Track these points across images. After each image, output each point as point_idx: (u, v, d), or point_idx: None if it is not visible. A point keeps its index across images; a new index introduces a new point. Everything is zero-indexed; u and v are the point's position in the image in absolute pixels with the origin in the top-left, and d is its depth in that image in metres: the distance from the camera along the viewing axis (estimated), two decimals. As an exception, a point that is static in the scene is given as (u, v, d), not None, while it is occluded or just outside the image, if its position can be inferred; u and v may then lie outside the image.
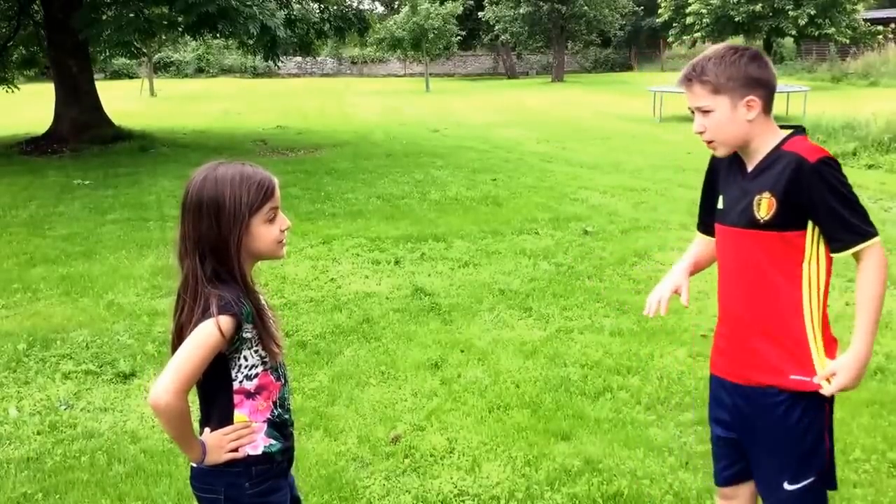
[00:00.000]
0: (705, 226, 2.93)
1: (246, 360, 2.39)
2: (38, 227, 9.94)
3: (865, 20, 35.95)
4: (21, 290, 7.30)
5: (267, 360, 2.42)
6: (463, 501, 3.90)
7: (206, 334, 2.27)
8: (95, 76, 20.59)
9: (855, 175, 12.34)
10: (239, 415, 2.42)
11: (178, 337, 2.36)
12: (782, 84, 30.19)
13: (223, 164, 2.40)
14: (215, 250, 2.33)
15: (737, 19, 34.43)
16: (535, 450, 4.33)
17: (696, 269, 3.03)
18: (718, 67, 2.57)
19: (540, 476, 4.08)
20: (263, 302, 2.46)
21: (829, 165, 2.52)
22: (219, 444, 2.39)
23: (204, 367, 2.32)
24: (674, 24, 40.16)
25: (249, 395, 2.42)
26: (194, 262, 2.34)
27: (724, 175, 2.77)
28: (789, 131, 2.64)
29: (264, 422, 2.45)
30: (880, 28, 36.47)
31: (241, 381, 2.40)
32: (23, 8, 18.90)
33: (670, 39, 41.74)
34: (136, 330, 6.25)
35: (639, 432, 4.51)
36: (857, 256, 2.55)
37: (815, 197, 2.51)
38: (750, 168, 2.66)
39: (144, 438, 4.57)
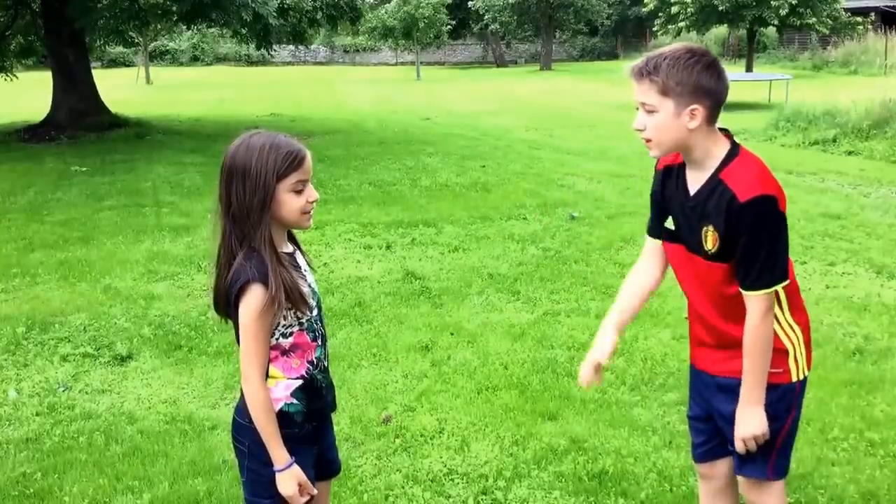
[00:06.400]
0: (656, 232, 2.86)
1: (285, 318, 2.46)
2: (36, 213, 9.98)
3: (846, 10, 35.90)
4: (20, 274, 7.34)
5: (303, 320, 2.51)
6: (452, 480, 3.95)
7: (256, 301, 2.38)
8: (92, 64, 20.51)
9: (835, 161, 12.52)
10: (273, 370, 2.50)
11: (216, 292, 2.51)
12: (765, 72, 30.41)
13: (259, 132, 2.48)
14: (242, 213, 2.41)
15: (720, 8, 34.22)
16: (522, 430, 4.39)
17: (633, 313, 2.92)
18: (671, 69, 2.47)
19: (527, 455, 4.13)
20: (300, 260, 2.56)
21: (758, 206, 2.45)
22: (292, 480, 2.47)
23: (266, 336, 2.43)
24: (659, 14, 39.98)
25: (284, 351, 2.50)
26: (225, 223, 2.45)
27: (671, 193, 2.72)
28: (727, 148, 2.56)
29: (297, 378, 2.52)
30: (859, 19, 36.51)
31: (277, 339, 2.49)
32: (20, -2, 18.86)
33: (655, 29, 41.55)
34: (133, 313, 6.31)
35: (623, 412, 4.56)
36: (748, 296, 2.54)
37: (742, 234, 2.47)
38: (692, 189, 2.61)
39: (141, 419, 4.62)
